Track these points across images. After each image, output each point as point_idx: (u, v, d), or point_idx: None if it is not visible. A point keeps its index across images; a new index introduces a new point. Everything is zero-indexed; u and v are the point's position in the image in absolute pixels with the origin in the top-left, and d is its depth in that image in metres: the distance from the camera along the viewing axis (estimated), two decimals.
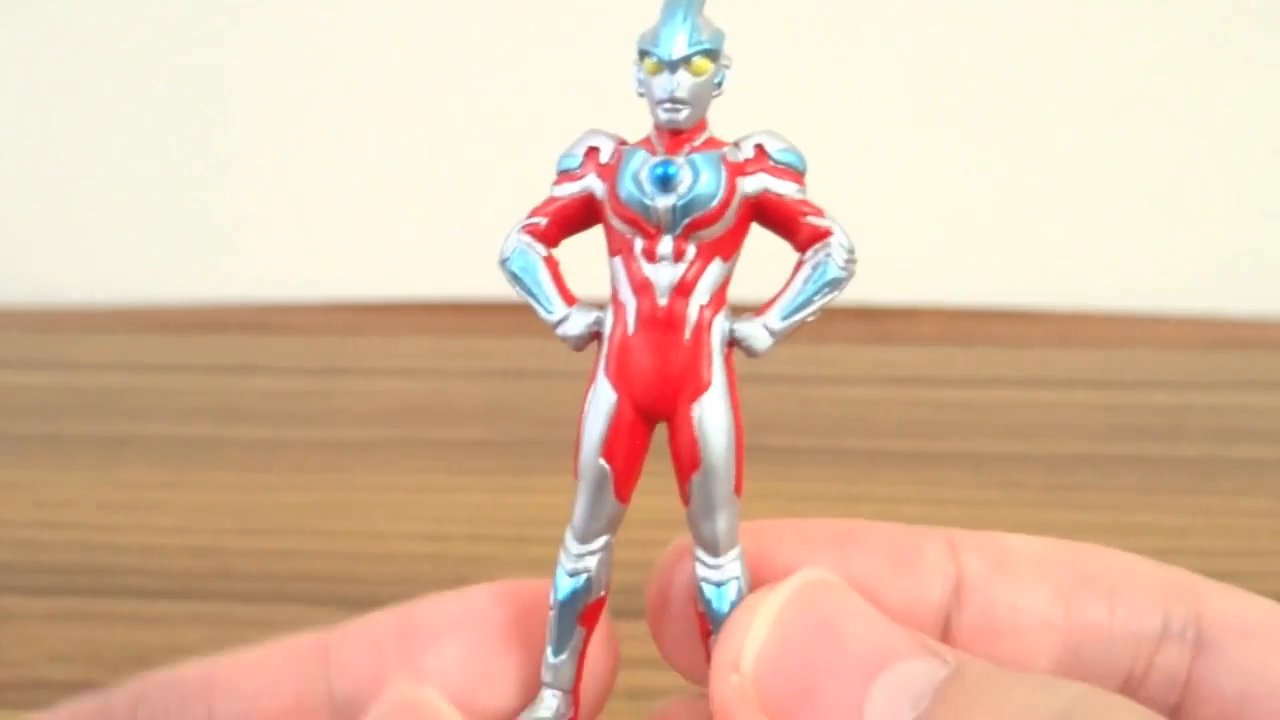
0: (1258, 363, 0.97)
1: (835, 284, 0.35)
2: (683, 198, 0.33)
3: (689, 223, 0.34)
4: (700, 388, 0.34)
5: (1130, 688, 0.33)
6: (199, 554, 0.65)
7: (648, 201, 0.34)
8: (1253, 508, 0.70)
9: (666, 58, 0.34)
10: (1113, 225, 1.08)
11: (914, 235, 1.08)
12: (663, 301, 0.34)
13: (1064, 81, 1.06)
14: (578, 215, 0.36)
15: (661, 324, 0.34)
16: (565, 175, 0.36)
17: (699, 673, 0.34)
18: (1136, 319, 1.05)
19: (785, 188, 0.35)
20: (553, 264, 0.36)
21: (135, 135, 1.16)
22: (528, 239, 0.36)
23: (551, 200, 0.36)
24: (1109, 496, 0.71)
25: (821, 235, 0.35)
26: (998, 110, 1.07)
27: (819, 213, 0.35)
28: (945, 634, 0.33)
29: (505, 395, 0.87)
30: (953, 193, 1.08)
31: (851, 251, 0.35)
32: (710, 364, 0.34)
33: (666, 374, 0.34)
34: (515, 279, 0.36)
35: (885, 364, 0.95)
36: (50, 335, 1.11)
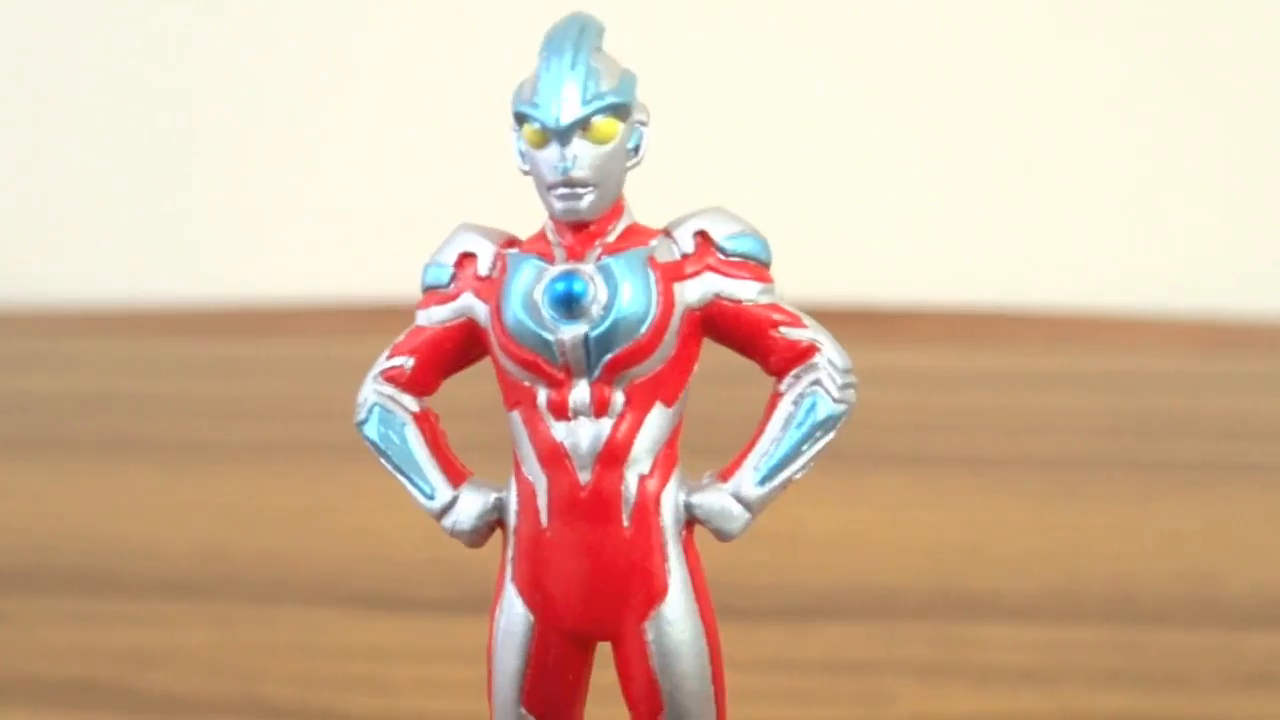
0: (1257, 363, 0.97)
1: (830, 424, 0.25)
2: (597, 324, 0.24)
3: (611, 360, 0.24)
4: (654, 595, 0.24)
5: None
6: (199, 554, 0.65)
7: (547, 334, 0.24)
8: (1251, 508, 0.70)
9: (552, 123, 0.23)
10: (1113, 226, 1.08)
11: (914, 237, 1.08)
12: (584, 476, 0.24)
13: (1063, 84, 1.06)
14: (456, 348, 0.26)
15: (586, 509, 0.24)
16: (432, 294, 0.27)
17: None
18: (1136, 320, 1.05)
19: (744, 289, 0.25)
20: (426, 424, 0.27)
21: (137, 139, 1.16)
22: (388, 393, 0.27)
23: (417, 332, 0.27)
24: (1108, 497, 0.71)
25: (804, 354, 0.25)
26: (998, 112, 1.07)
27: (795, 320, 0.25)
28: None
29: None
30: (953, 195, 1.08)
31: (847, 372, 0.25)
32: (664, 559, 0.25)
33: (601, 582, 0.24)
34: (377, 451, 0.27)
35: (885, 365, 0.95)
36: (51, 337, 1.11)
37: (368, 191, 1.14)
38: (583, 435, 0.24)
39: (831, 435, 0.25)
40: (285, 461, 0.78)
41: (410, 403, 0.27)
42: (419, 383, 0.27)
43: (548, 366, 0.24)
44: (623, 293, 0.24)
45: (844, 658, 0.52)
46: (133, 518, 0.70)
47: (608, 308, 0.24)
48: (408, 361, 0.27)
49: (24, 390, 0.96)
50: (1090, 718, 0.47)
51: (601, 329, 0.24)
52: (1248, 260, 1.06)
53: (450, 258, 0.26)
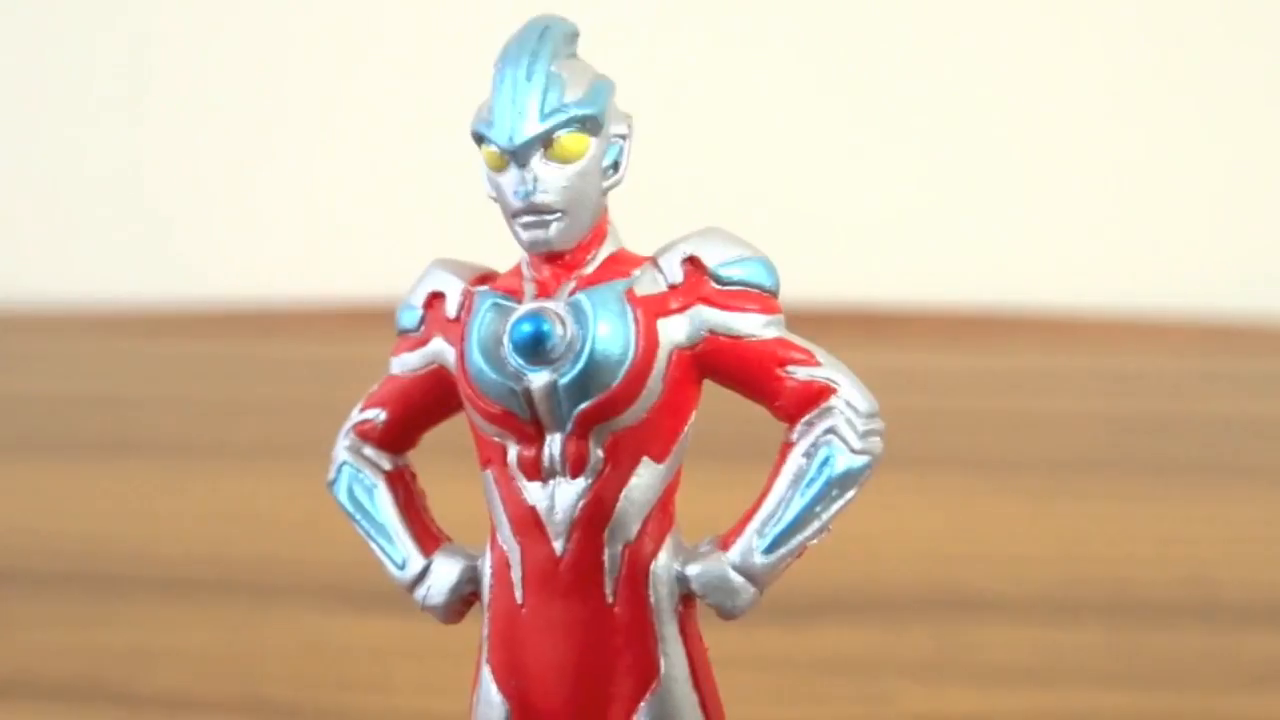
0: (1258, 363, 0.97)
1: (850, 480, 0.23)
2: (566, 370, 0.20)
3: (585, 411, 0.21)
4: (645, 682, 0.21)
5: None
6: (199, 554, 0.65)
7: (512, 383, 0.21)
8: (1251, 508, 0.70)
9: (505, 143, 0.21)
10: (1113, 226, 1.08)
11: (914, 237, 1.08)
12: (559, 545, 0.21)
13: (1062, 84, 1.06)
14: (428, 399, 0.24)
15: (564, 583, 0.21)
16: (404, 339, 0.24)
17: None
18: (1137, 320, 1.05)
19: (744, 323, 0.22)
20: (400, 484, 0.24)
21: (138, 139, 1.16)
22: (359, 450, 0.24)
23: (388, 381, 0.24)
24: (1108, 497, 0.71)
25: (817, 397, 0.22)
26: (998, 112, 1.07)
27: (807, 358, 0.22)
28: None
29: None
30: (952, 195, 1.08)
31: (871, 416, 0.22)
32: (656, 640, 0.21)
33: (584, 667, 0.21)
34: (348, 514, 0.25)
35: (885, 365, 0.95)
36: (51, 337, 1.11)
37: (368, 192, 1.14)
38: (558, 498, 0.21)
39: (853, 493, 0.22)
40: (285, 461, 0.78)
41: (384, 460, 0.24)
42: (393, 438, 0.24)
43: (516, 420, 0.21)
44: (595, 333, 0.20)
45: (844, 658, 0.52)
46: (133, 518, 0.70)
47: (578, 351, 0.20)
48: (379, 415, 0.24)
49: (24, 390, 0.96)
50: (1090, 717, 0.47)
51: (571, 375, 0.20)
52: (1248, 260, 1.06)
53: (419, 299, 0.23)
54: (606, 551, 0.21)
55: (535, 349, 0.20)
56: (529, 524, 0.21)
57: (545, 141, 0.20)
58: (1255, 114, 1.05)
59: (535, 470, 0.21)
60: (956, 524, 0.68)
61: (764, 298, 0.22)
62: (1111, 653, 0.52)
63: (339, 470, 0.24)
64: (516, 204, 0.21)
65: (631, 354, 0.20)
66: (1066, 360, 0.99)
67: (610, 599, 0.21)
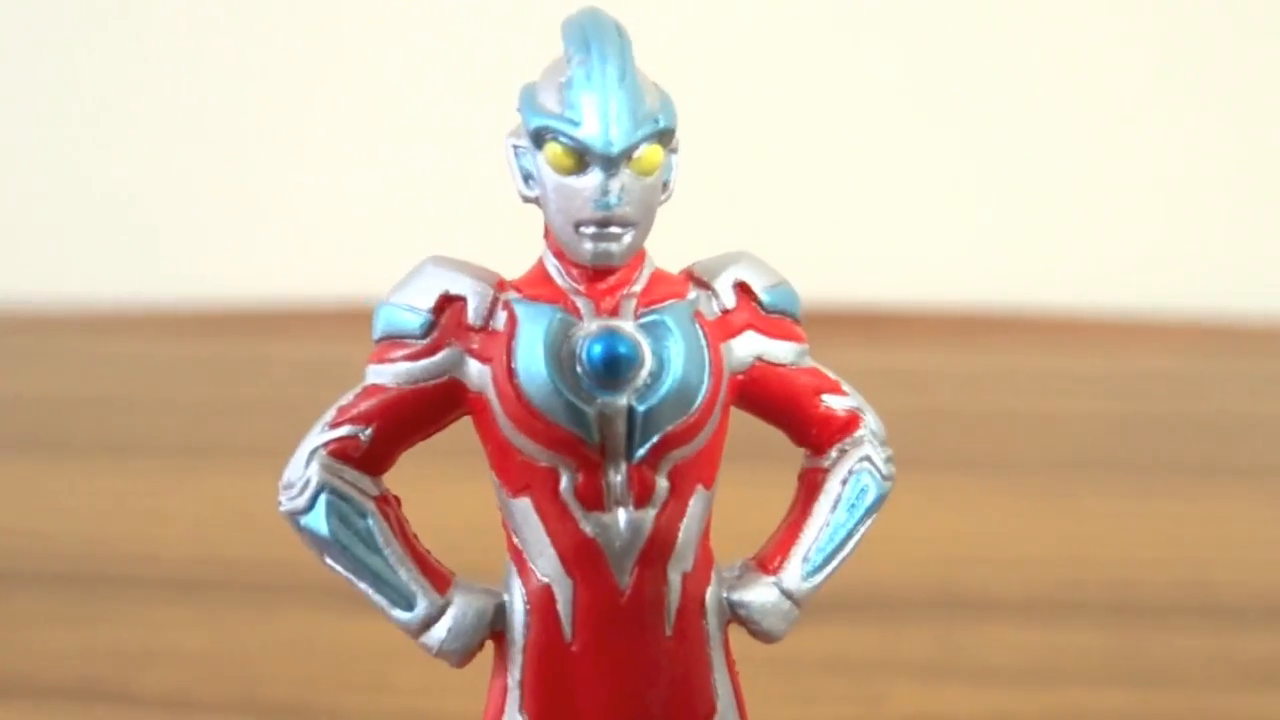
0: (1258, 363, 0.97)
1: (878, 505, 0.23)
2: (646, 396, 0.19)
3: (661, 439, 0.20)
4: (704, 713, 0.21)
5: None
6: (199, 554, 0.65)
7: (584, 406, 0.19)
8: (1251, 508, 0.70)
9: (601, 147, 0.19)
10: (1113, 226, 1.08)
11: (914, 237, 1.08)
12: (623, 579, 0.20)
13: (1063, 83, 1.06)
14: (430, 415, 0.22)
15: (627, 618, 0.20)
16: (395, 344, 0.21)
17: None
18: (1137, 320, 1.05)
19: (785, 351, 0.21)
20: (391, 512, 0.22)
21: (136, 139, 1.16)
22: (343, 475, 0.22)
23: (372, 392, 0.22)
24: (1108, 497, 0.71)
25: (847, 426, 0.22)
26: (997, 112, 1.07)
27: (836, 387, 0.22)
28: None
29: None
30: (953, 195, 1.08)
31: (886, 442, 0.22)
32: (710, 670, 0.21)
33: (644, 704, 0.20)
34: (324, 548, 0.21)
35: (885, 365, 0.95)
36: (51, 337, 1.11)
37: (367, 192, 1.14)
38: (623, 529, 0.19)
39: (875, 517, 0.22)
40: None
41: (369, 485, 0.22)
42: (376, 458, 0.22)
43: (582, 446, 0.19)
44: (674, 358, 0.19)
45: (844, 658, 0.52)
46: (133, 518, 0.70)
47: (657, 376, 0.19)
48: (363, 431, 0.22)
49: (24, 390, 0.96)
50: (1090, 718, 0.47)
51: (652, 402, 0.19)
52: (1248, 260, 1.06)
53: (426, 300, 0.20)
54: (668, 583, 0.20)
55: (616, 371, 0.19)
56: (586, 557, 0.20)
57: (630, 153, 0.19)
58: (1256, 113, 1.06)
59: (596, 500, 0.19)
60: (956, 524, 0.68)
61: (796, 326, 0.22)
62: (1111, 653, 0.52)
63: (315, 498, 0.21)
64: (592, 213, 0.19)
65: (708, 380, 0.20)
66: (1066, 360, 0.99)
67: (669, 631, 0.20)
